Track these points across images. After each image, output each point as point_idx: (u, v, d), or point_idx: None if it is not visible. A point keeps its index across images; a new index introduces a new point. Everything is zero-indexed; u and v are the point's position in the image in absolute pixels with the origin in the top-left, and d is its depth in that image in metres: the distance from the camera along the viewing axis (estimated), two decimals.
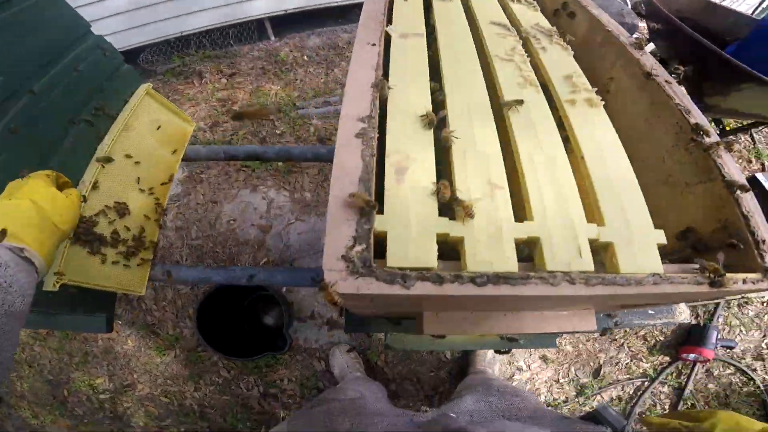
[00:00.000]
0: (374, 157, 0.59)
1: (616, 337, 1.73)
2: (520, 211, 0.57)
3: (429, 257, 0.50)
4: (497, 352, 1.01)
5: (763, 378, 1.70)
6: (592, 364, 1.68)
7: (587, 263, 0.50)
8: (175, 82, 2.34)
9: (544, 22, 0.93)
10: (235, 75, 2.35)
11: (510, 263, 0.50)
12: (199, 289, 1.72)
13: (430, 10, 0.95)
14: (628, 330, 1.73)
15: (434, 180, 0.57)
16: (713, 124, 2.23)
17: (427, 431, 0.58)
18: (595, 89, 0.74)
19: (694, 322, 1.75)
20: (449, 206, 0.57)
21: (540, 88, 0.73)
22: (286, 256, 1.77)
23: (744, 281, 0.50)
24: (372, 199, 0.53)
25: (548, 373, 1.66)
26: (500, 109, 0.70)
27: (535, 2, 1.02)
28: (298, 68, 2.34)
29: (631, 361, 1.70)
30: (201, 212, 1.88)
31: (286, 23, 2.54)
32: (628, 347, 1.71)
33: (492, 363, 1.58)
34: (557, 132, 0.65)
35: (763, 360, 1.73)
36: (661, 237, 0.54)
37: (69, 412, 1.65)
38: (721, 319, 1.74)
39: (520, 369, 1.66)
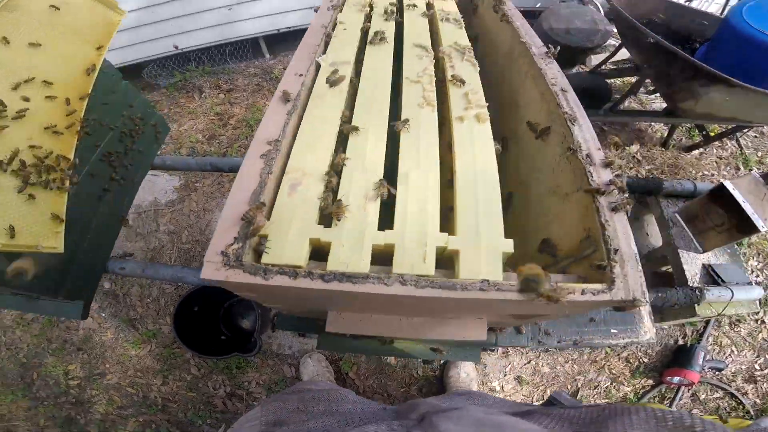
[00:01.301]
0: (271, 175, 0.69)
1: (597, 359, 1.64)
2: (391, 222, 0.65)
3: (299, 257, 0.59)
4: (425, 362, 1.03)
5: (754, 402, 1.56)
6: (569, 386, 1.61)
7: (429, 268, 0.57)
8: (177, 96, 2.53)
9: (463, 40, 0.99)
10: (232, 91, 2.52)
11: (362, 265, 0.58)
12: (183, 289, 1.80)
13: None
14: (609, 351, 1.63)
15: (321, 195, 0.67)
16: (696, 130, 2.17)
17: (401, 413, 0.63)
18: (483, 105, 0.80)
19: (681, 342, 1.63)
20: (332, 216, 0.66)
21: (436, 107, 0.80)
22: None
23: (583, 292, 0.52)
24: (255, 211, 0.63)
25: (523, 395, 1.59)
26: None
27: (461, 20, 1.08)
28: None
29: (612, 384, 1.60)
30: (193, 219, 2.02)
31: (280, 41, 2.70)
32: (609, 369, 1.62)
33: (468, 384, 1.54)
34: (437, 149, 0.72)
35: (755, 382, 1.59)
36: (508, 246, 0.60)
37: (33, 394, 1.66)
38: (710, 339, 1.63)
39: (492, 390, 1.61)
